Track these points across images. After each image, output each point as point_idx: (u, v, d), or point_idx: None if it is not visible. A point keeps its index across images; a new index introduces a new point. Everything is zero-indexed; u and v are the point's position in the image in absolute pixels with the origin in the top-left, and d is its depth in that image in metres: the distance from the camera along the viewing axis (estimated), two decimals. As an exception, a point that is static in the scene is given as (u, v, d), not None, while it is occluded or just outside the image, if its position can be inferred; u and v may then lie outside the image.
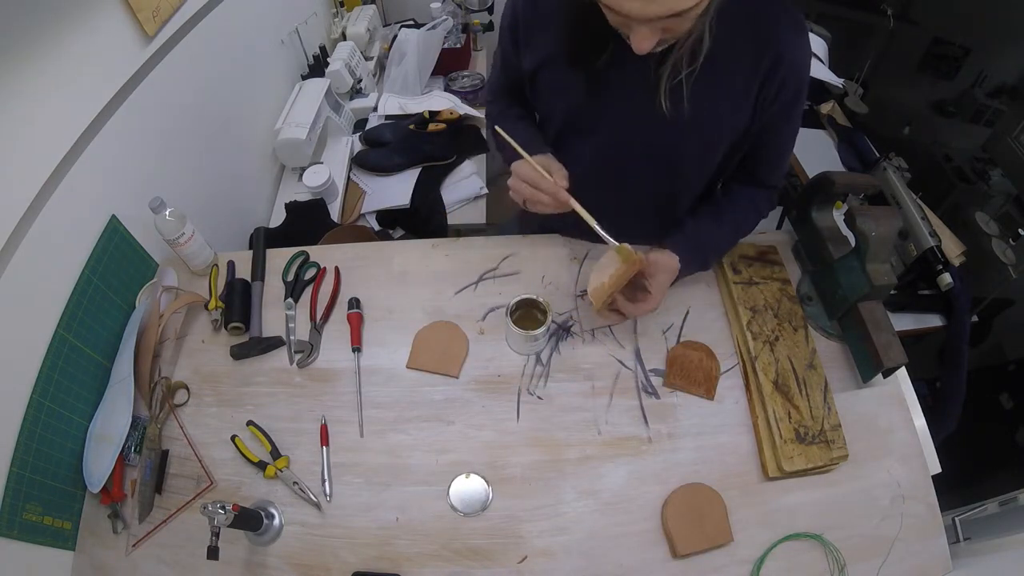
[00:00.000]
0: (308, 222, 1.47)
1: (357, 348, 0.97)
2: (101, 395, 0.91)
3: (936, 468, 0.88)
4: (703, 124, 0.83)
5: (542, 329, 0.90)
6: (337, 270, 1.06)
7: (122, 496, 0.85)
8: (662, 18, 0.64)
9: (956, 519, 0.93)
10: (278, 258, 1.09)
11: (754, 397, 0.91)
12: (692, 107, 0.80)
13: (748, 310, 0.97)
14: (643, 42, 0.67)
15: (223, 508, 0.70)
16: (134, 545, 0.82)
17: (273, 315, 1.02)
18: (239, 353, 0.97)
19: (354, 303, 1.01)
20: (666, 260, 0.88)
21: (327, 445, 0.88)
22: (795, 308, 0.98)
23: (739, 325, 0.97)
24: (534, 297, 0.93)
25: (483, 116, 1.85)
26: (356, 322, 0.99)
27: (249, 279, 1.05)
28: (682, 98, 0.79)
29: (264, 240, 1.11)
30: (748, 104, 0.82)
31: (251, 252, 1.09)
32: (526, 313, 0.95)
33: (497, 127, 0.89)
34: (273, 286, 1.06)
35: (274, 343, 0.98)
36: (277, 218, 1.53)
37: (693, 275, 1.00)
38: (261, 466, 0.86)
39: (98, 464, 0.84)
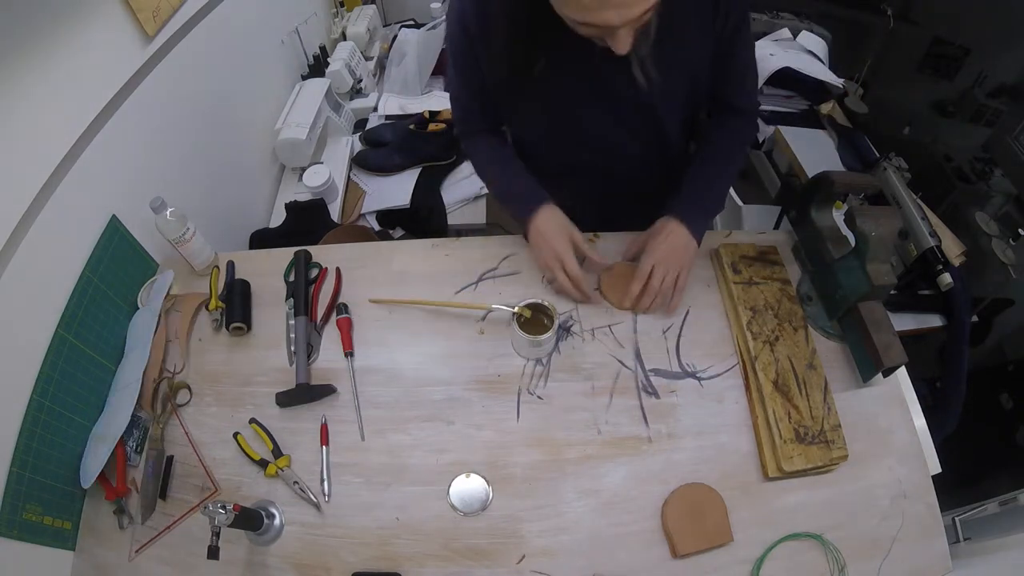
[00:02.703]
0: (308, 222, 1.47)
1: (350, 353, 0.97)
2: (101, 395, 0.92)
3: (936, 468, 0.88)
4: (674, 83, 0.88)
5: (548, 334, 0.90)
6: (338, 271, 1.06)
7: (126, 491, 0.85)
8: (639, 18, 0.66)
9: (956, 519, 0.93)
10: (279, 258, 1.09)
11: (754, 397, 0.91)
12: (659, 72, 0.83)
13: (748, 310, 0.97)
14: (624, 44, 0.70)
15: (224, 508, 0.70)
16: (137, 551, 0.82)
17: (273, 315, 1.02)
18: (285, 402, 0.91)
19: (343, 308, 1.01)
20: (660, 227, 0.96)
21: (327, 445, 0.88)
22: (795, 308, 0.98)
23: (739, 325, 0.97)
24: (540, 301, 0.93)
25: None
26: (346, 327, 0.99)
27: (248, 279, 1.05)
28: (649, 68, 0.83)
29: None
30: (707, 42, 0.87)
31: (251, 252, 1.09)
32: (532, 317, 0.94)
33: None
34: (273, 286, 1.06)
35: (325, 391, 0.92)
36: (277, 218, 1.53)
37: (692, 275, 1.00)
38: (262, 464, 0.86)
39: (92, 461, 0.84)
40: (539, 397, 0.93)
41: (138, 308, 1.01)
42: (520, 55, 0.83)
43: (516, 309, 0.93)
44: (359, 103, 1.86)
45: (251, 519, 0.77)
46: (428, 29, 1.90)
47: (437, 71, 1.97)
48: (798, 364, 0.92)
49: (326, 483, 0.85)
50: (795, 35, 1.93)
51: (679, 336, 0.98)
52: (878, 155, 1.73)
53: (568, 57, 0.83)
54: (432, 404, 0.92)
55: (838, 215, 1.01)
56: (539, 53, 0.83)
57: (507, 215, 1.08)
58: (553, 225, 0.97)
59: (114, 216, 0.96)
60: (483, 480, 0.85)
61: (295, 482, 0.85)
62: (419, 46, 1.87)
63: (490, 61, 0.87)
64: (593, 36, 0.71)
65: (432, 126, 1.69)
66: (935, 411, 1.29)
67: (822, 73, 1.77)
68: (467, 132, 1.06)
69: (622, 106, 0.93)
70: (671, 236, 0.95)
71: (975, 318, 1.56)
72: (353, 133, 1.79)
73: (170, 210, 0.97)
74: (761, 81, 1.76)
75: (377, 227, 1.56)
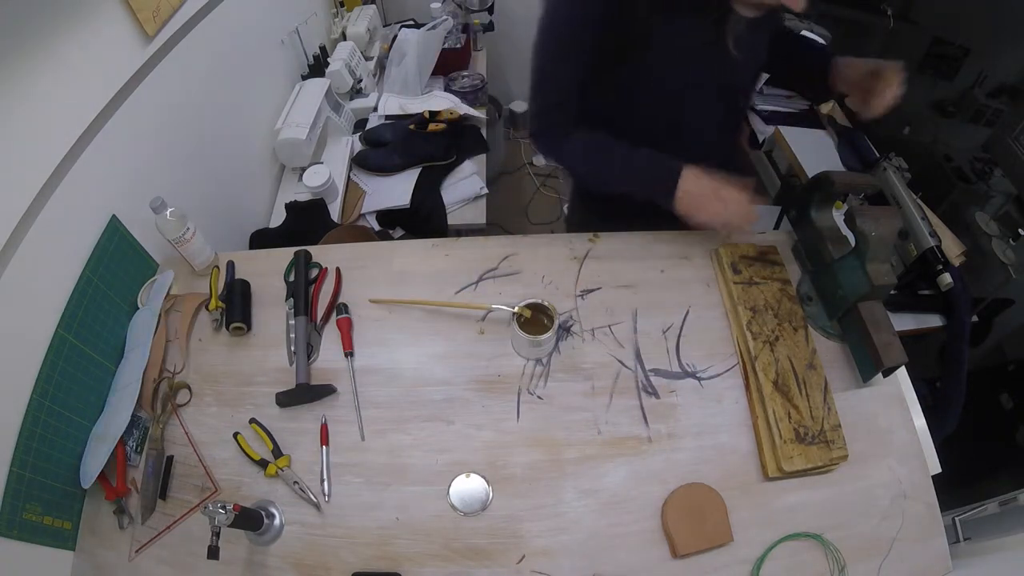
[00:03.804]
0: (308, 222, 1.47)
1: (350, 352, 0.97)
2: (101, 395, 0.92)
3: (936, 468, 0.88)
4: (756, 63, 0.99)
5: (548, 334, 0.90)
6: (338, 271, 1.06)
7: (126, 491, 0.85)
8: None
9: (956, 519, 0.93)
10: (279, 258, 1.09)
11: (754, 397, 0.91)
12: (749, 50, 0.90)
13: (748, 310, 0.97)
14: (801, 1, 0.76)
15: (224, 508, 0.70)
16: (137, 551, 0.82)
17: (273, 315, 1.02)
18: (285, 402, 0.91)
19: (343, 308, 1.01)
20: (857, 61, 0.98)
21: (327, 445, 0.88)
22: (795, 308, 0.98)
23: (739, 325, 0.97)
24: (540, 301, 0.93)
25: (483, 116, 1.85)
26: (346, 327, 0.99)
27: (248, 279, 1.05)
28: (744, 46, 0.88)
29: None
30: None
31: (251, 252, 1.09)
32: (532, 317, 0.94)
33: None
34: (273, 286, 1.06)
35: (325, 391, 0.92)
36: (277, 218, 1.53)
37: (692, 275, 1.02)
38: (262, 464, 0.86)
39: (92, 461, 0.84)
40: (539, 397, 0.93)
41: (138, 308, 1.01)
42: (640, 31, 0.85)
43: (516, 309, 0.93)
44: (359, 103, 1.86)
45: (251, 519, 0.77)
46: (428, 29, 1.90)
47: (437, 71, 1.97)
48: (798, 364, 0.92)
49: (326, 483, 0.85)
50: (795, 35, 1.93)
51: (679, 336, 0.98)
52: (878, 155, 1.73)
53: (675, 41, 0.87)
54: (432, 404, 0.92)
55: (838, 215, 1.01)
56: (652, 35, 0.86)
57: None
58: (704, 178, 0.92)
59: (114, 216, 0.96)
60: (483, 480, 0.85)
61: (295, 482, 0.85)
62: (419, 46, 1.86)
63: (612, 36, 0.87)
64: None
65: (432, 126, 1.69)
66: (935, 411, 1.29)
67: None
68: (555, 123, 0.99)
69: (714, 91, 0.96)
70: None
71: (975, 318, 1.57)
72: (353, 133, 1.79)
73: (170, 210, 0.97)
74: (760, 82, 1.76)
75: (377, 227, 1.56)
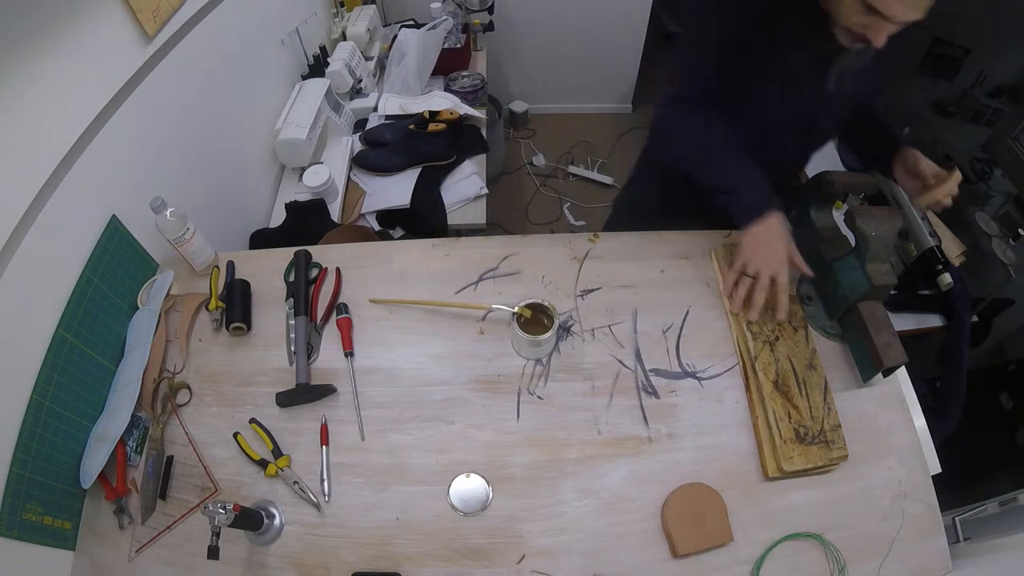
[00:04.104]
0: (308, 222, 1.47)
1: (350, 352, 0.97)
2: (101, 395, 0.92)
3: (936, 468, 0.88)
4: (858, 95, 0.99)
5: (548, 334, 0.90)
6: (338, 271, 1.06)
7: (126, 491, 0.85)
8: (914, 20, 0.75)
9: (956, 519, 0.93)
10: (279, 258, 1.09)
11: (754, 397, 0.91)
12: (852, 84, 0.94)
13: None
14: (884, 38, 0.78)
15: (224, 508, 0.70)
16: (137, 551, 0.82)
17: (273, 315, 1.02)
18: (285, 402, 0.91)
19: (343, 308, 1.01)
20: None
21: (327, 445, 0.88)
22: (795, 308, 0.98)
23: (739, 325, 0.97)
24: (540, 301, 0.93)
25: (483, 116, 1.85)
26: (346, 327, 0.99)
27: (248, 279, 1.05)
28: (847, 79, 0.93)
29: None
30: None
31: (251, 252, 1.09)
32: (532, 317, 0.94)
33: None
34: (273, 286, 1.06)
35: (325, 391, 0.92)
36: (277, 218, 1.53)
37: (692, 275, 1.03)
38: (262, 464, 0.86)
39: (92, 461, 0.84)
40: (539, 397, 0.93)
41: (138, 308, 1.01)
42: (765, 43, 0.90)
43: (516, 309, 0.93)
44: (359, 103, 1.86)
45: (251, 519, 0.77)
46: (428, 29, 1.90)
47: (437, 71, 1.97)
48: (798, 364, 0.92)
49: (326, 483, 0.85)
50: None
51: (679, 336, 0.98)
52: (878, 156, 1.73)
53: (782, 63, 0.92)
54: (432, 404, 0.92)
55: (838, 215, 1.01)
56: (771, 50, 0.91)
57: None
58: (781, 233, 0.93)
59: (114, 216, 0.96)
60: (483, 480, 0.85)
61: (295, 482, 0.85)
62: (419, 46, 1.86)
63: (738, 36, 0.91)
64: (862, 26, 0.79)
65: (432, 126, 1.69)
66: (935, 411, 1.29)
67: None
68: (686, 97, 1.01)
69: (799, 119, 1.00)
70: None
71: (975, 318, 1.57)
72: (353, 133, 1.79)
73: (170, 210, 0.97)
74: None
75: (377, 227, 1.56)
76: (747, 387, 0.93)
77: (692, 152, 1.01)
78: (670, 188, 1.15)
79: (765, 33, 0.89)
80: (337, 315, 1.00)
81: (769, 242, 0.92)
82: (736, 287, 0.97)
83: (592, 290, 1.03)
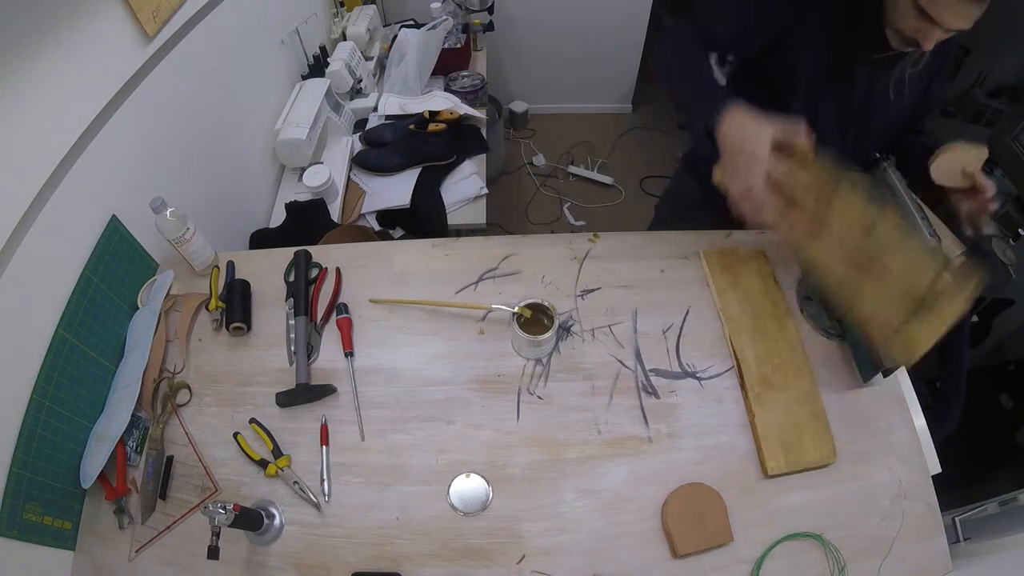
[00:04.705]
0: (308, 222, 1.47)
1: (350, 352, 0.97)
2: (101, 395, 0.92)
3: (936, 468, 0.88)
4: (915, 103, 1.02)
5: (548, 334, 0.90)
6: (338, 271, 1.06)
7: (126, 491, 0.85)
8: (964, 28, 0.76)
9: (956, 519, 0.93)
10: (279, 258, 1.09)
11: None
12: (907, 92, 0.97)
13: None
14: (933, 42, 0.80)
15: (224, 508, 0.70)
16: (137, 551, 0.82)
17: (273, 315, 1.02)
18: (285, 402, 0.91)
19: (343, 308, 1.01)
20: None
21: (327, 445, 0.88)
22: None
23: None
24: (540, 301, 0.93)
25: (483, 116, 1.85)
26: (346, 327, 0.99)
27: (248, 279, 1.05)
28: (904, 87, 0.96)
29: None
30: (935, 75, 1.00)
31: (251, 252, 1.09)
32: (532, 317, 0.94)
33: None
34: (273, 286, 1.06)
35: (325, 391, 0.92)
36: (277, 218, 1.53)
37: (692, 275, 1.02)
38: (262, 464, 0.86)
39: (92, 461, 0.84)
40: (539, 397, 0.93)
41: (138, 308, 1.01)
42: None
43: (516, 309, 0.93)
44: (359, 103, 1.86)
45: (251, 519, 0.77)
46: (428, 29, 1.90)
47: (437, 71, 1.97)
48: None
49: (326, 483, 0.85)
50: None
51: (679, 336, 0.98)
52: (878, 155, 1.73)
53: (835, 70, 0.93)
54: (432, 404, 0.92)
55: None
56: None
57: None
58: (751, 124, 0.79)
59: (114, 216, 0.96)
60: (483, 480, 0.85)
61: (295, 482, 0.85)
62: (419, 46, 1.86)
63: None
64: (914, 30, 0.80)
65: (432, 126, 1.69)
66: (935, 411, 1.29)
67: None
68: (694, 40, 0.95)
69: (856, 124, 1.02)
70: None
71: (975, 318, 1.57)
72: (353, 133, 1.79)
73: (170, 210, 0.97)
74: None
75: (377, 227, 1.56)
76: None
77: (668, 66, 0.96)
78: (710, 180, 1.10)
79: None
80: (337, 315, 1.00)
81: (743, 143, 0.80)
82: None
83: (592, 290, 1.03)
